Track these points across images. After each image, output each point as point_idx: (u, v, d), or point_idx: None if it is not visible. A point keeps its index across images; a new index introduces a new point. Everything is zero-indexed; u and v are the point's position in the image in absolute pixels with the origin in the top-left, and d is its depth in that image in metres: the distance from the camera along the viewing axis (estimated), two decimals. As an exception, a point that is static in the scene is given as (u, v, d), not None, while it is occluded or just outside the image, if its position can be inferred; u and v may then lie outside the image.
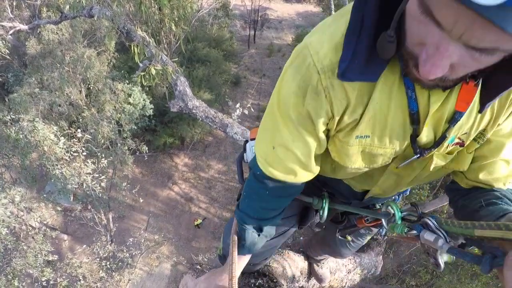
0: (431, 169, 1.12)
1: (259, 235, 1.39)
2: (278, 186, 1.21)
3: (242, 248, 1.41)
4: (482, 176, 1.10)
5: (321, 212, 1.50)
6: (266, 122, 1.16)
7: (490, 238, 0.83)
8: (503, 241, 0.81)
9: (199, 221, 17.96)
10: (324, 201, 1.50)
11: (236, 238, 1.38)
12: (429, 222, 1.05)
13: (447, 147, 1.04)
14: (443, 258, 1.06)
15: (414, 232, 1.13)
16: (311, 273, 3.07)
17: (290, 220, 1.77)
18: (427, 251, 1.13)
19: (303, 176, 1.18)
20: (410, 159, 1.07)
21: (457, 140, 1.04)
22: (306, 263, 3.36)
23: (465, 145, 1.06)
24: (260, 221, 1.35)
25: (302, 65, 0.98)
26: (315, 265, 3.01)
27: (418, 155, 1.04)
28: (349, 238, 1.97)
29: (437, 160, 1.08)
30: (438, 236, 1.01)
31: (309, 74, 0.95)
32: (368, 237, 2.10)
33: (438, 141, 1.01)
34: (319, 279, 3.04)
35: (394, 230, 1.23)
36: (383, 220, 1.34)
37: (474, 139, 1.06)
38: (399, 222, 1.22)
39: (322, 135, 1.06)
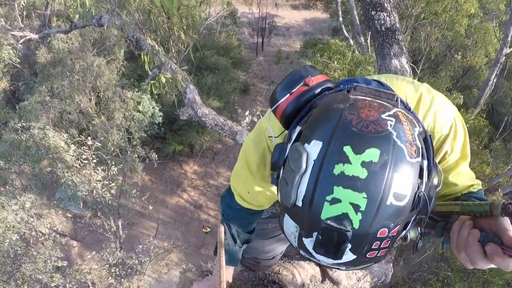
0: None
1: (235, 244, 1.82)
2: (250, 212, 1.62)
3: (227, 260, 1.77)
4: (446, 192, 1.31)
5: None
6: (241, 175, 1.49)
7: (444, 211, 1.08)
8: (452, 213, 1.05)
9: (208, 229, 17.96)
10: None
11: (223, 243, 1.68)
12: None
13: None
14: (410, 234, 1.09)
15: None
16: (325, 278, 3.13)
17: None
18: None
19: (269, 205, 1.60)
20: None
21: None
22: (318, 269, 3.35)
23: None
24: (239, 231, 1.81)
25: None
26: (328, 269, 3.08)
27: None
28: None
29: None
30: None
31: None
32: None
33: None
34: (335, 282, 3.12)
35: None
36: None
37: None
38: None
39: None
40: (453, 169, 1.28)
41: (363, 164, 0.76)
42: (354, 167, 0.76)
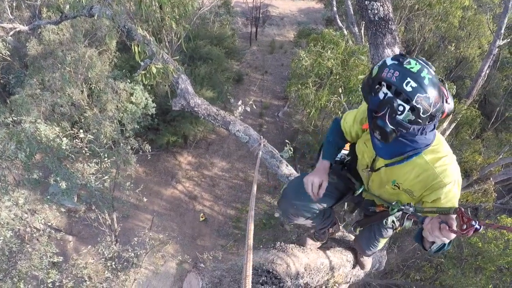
0: (377, 182, 2.44)
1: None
2: (341, 135, 2.63)
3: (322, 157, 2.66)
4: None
5: (357, 192, 2.68)
6: (353, 113, 2.53)
7: (428, 212, 1.90)
8: (433, 213, 1.84)
9: (204, 218, 18.07)
10: (361, 186, 2.66)
11: (251, 236, 1.92)
12: (409, 207, 2.14)
13: (386, 182, 2.34)
14: (406, 223, 2.36)
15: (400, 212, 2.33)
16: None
17: (334, 194, 2.81)
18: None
19: (349, 140, 2.65)
20: (367, 170, 2.45)
21: (396, 185, 2.25)
22: (312, 257, 3.35)
23: (400, 189, 2.25)
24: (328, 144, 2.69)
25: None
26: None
27: (369, 169, 2.43)
28: (357, 231, 3.07)
29: (375, 178, 2.42)
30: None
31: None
32: (382, 241, 3.16)
33: (372, 167, 2.39)
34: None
35: (392, 211, 2.34)
36: (391, 206, 2.36)
37: (404, 191, 2.24)
38: (395, 208, 2.31)
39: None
40: (446, 205, 2.04)
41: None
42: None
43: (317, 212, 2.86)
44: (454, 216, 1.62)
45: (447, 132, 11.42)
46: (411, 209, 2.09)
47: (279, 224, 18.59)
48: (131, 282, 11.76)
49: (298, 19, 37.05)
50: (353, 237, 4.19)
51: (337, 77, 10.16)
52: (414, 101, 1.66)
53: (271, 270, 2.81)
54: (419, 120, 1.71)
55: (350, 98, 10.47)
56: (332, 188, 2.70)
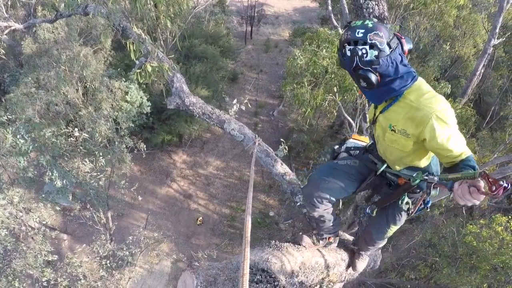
0: (380, 133, 2.62)
1: None
2: None
3: None
4: (445, 160, 2.28)
5: (379, 170, 2.82)
6: None
7: (453, 178, 1.97)
8: (458, 178, 1.92)
9: (201, 221, 18.02)
10: (383, 165, 2.81)
11: (249, 234, 1.82)
12: (433, 176, 2.31)
13: (385, 129, 2.52)
14: (432, 192, 2.39)
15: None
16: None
17: (357, 177, 3.00)
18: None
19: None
20: (372, 126, 2.74)
21: (392, 129, 2.43)
22: (307, 256, 3.36)
23: (396, 132, 2.42)
24: None
25: None
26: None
27: (372, 123, 2.70)
28: (374, 213, 3.10)
29: (378, 129, 2.63)
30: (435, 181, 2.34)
31: None
32: (393, 228, 3.18)
33: (374, 120, 2.63)
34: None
35: (415, 181, 2.44)
36: (413, 177, 2.47)
37: (400, 133, 2.40)
38: (417, 178, 2.42)
39: None
40: (444, 145, 2.18)
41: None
42: None
43: (340, 196, 3.08)
44: (480, 179, 1.77)
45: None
46: (435, 178, 2.26)
47: (274, 223, 18.62)
48: (126, 280, 11.74)
49: (293, 18, 37.05)
50: (348, 237, 4.20)
51: (332, 76, 10.17)
52: (369, 40, 2.13)
53: (266, 269, 2.81)
54: (382, 52, 2.16)
55: (346, 97, 10.49)
56: (355, 171, 3.00)
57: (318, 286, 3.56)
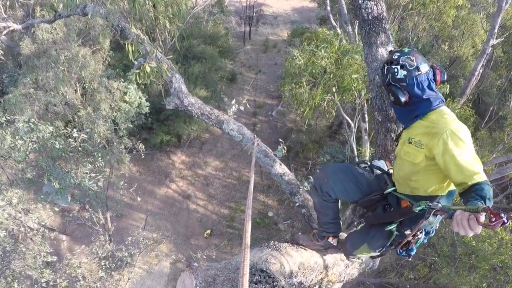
0: (399, 148, 2.81)
1: None
2: None
3: None
4: (457, 181, 2.28)
5: (387, 190, 2.97)
6: None
7: (456, 208, 1.96)
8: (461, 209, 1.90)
9: (209, 234, 17.88)
10: (392, 187, 2.97)
11: (249, 235, 1.92)
12: (437, 203, 2.23)
13: (404, 143, 2.70)
14: (431, 218, 2.33)
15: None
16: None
17: (364, 189, 3.14)
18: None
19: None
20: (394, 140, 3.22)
21: (410, 141, 2.62)
22: (306, 256, 3.35)
23: (412, 143, 2.60)
24: None
25: None
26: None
27: (395, 140, 3.07)
28: (359, 227, 3.31)
29: (400, 145, 2.83)
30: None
31: None
32: (363, 249, 3.20)
33: (398, 136, 2.98)
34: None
35: (418, 207, 2.33)
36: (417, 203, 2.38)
37: (415, 144, 2.58)
38: (422, 205, 2.30)
39: None
40: (455, 160, 2.26)
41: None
42: None
43: (341, 197, 3.27)
44: (483, 213, 1.79)
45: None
46: (439, 205, 2.23)
47: (273, 223, 18.62)
48: (125, 281, 11.75)
49: (292, 18, 37.08)
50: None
51: (331, 76, 10.16)
52: (401, 61, 2.56)
53: (265, 269, 2.81)
54: (410, 72, 2.54)
55: (344, 97, 10.49)
56: (365, 183, 3.17)
57: (317, 286, 3.56)
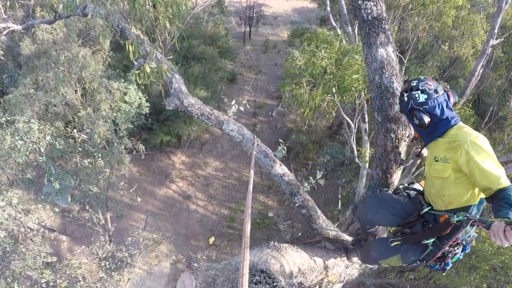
0: (428, 166, 3.04)
1: None
2: None
3: None
4: (483, 186, 2.50)
5: (423, 210, 3.16)
6: None
7: (493, 220, 2.12)
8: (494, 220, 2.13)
9: (213, 239, 17.82)
10: (428, 207, 3.15)
11: (248, 234, 1.95)
12: (475, 215, 2.51)
13: (431, 161, 2.94)
14: (468, 227, 2.59)
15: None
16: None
17: (401, 213, 3.36)
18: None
19: None
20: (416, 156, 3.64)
21: (437, 159, 2.84)
22: (306, 257, 3.35)
23: (439, 161, 2.81)
24: None
25: None
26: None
27: (416, 155, 3.61)
28: (393, 244, 3.32)
29: (427, 166, 3.08)
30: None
31: None
32: (393, 258, 3.39)
33: (419, 154, 3.56)
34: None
35: (457, 217, 2.57)
36: (455, 215, 2.62)
37: (441, 160, 2.79)
38: (460, 216, 2.54)
39: None
40: (479, 166, 2.48)
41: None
42: None
43: (384, 223, 3.68)
44: None
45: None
46: (477, 216, 2.50)
47: (273, 224, 18.61)
48: (125, 282, 11.74)
49: (292, 18, 37.09)
50: (347, 237, 4.20)
51: (331, 76, 10.14)
52: (420, 87, 2.82)
53: (265, 270, 2.81)
54: (430, 95, 2.80)
55: (344, 98, 10.47)
56: (400, 207, 3.41)
57: (317, 286, 3.56)
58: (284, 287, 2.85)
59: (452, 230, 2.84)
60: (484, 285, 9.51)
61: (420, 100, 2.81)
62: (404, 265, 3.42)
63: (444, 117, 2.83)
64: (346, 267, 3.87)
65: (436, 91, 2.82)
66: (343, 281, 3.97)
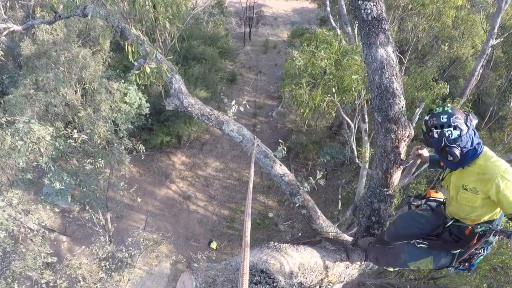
0: (454, 191, 3.08)
1: None
2: None
3: None
4: (508, 212, 2.67)
5: (448, 223, 3.25)
6: None
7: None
8: None
9: (215, 244, 17.76)
10: (452, 219, 3.23)
11: (248, 234, 1.98)
12: (497, 226, 2.89)
13: (458, 188, 3.01)
14: (491, 237, 2.95)
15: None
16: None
17: (426, 227, 3.45)
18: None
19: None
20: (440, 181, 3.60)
21: (465, 188, 2.92)
22: (306, 257, 3.35)
23: (468, 191, 2.90)
24: None
25: None
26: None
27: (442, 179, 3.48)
28: (418, 246, 3.47)
29: (452, 190, 3.11)
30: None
31: None
32: (413, 264, 3.52)
33: (443, 178, 3.38)
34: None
35: (480, 228, 2.95)
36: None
37: (470, 191, 2.88)
38: (483, 227, 2.94)
39: None
40: (507, 197, 2.62)
41: None
42: None
43: (413, 239, 3.62)
44: None
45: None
46: (499, 227, 2.77)
47: (273, 224, 18.61)
48: (125, 282, 11.74)
49: (291, 19, 37.09)
50: (347, 238, 4.20)
51: (331, 77, 10.15)
52: (452, 123, 2.79)
53: (265, 270, 2.81)
54: (463, 130, 2.78)
55: (344, 98, 10.48)
56: (425, 221, 3.47)
57: (317, 286, 3.56)
58: (284, 287, 2.85)
59: (478, 239, 3.03)
60: (485, 285, 9.51)
61: (453, 137, 2.80)
62: (435, 268, 3.51)
63: (473, 146, 2.85)
64: (346, 267, 3.87)
65: (466, 125, 2.81)
66: (343, 281, 3.97)
